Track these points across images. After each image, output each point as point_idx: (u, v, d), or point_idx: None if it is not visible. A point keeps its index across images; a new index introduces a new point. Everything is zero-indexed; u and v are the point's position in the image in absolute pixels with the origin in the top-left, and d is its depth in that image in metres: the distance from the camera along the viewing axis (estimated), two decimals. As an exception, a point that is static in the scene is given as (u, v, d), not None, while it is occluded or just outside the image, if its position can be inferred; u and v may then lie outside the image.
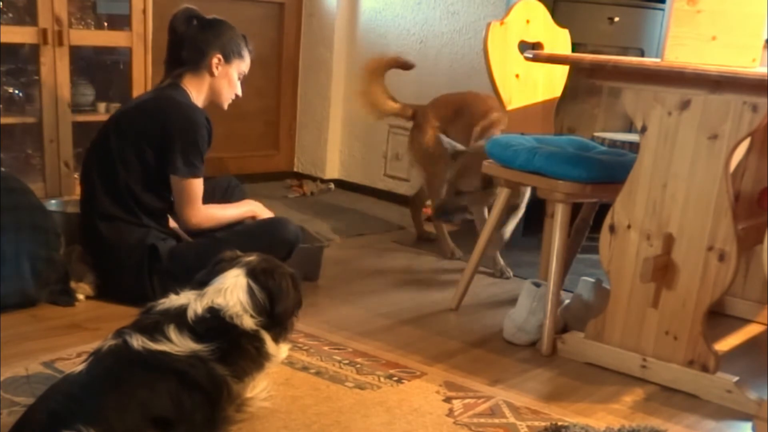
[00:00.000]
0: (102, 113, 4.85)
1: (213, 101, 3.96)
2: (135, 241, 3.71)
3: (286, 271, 2.93)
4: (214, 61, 3.85)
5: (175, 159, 3.68)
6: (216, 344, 2.55)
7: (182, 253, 3.73)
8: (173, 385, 2.40)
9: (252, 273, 2.82)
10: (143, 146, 3.70)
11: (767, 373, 3.45)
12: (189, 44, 3.82)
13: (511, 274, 4.70)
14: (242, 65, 3.98)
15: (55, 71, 4.59)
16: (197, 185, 3.76)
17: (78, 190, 4.07)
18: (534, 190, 4.26)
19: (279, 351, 2.86)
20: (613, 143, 4.70)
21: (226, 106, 4.03)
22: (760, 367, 3.58)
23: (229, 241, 3.59)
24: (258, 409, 2.78)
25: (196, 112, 3.76)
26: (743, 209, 3.56)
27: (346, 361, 3.32)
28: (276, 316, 2.82)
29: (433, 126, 4.95)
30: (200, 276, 2.89)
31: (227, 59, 3.89)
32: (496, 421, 2.91)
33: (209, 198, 4.05)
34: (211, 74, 3.87)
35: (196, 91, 3.87)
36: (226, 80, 3.92)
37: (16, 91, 4.71)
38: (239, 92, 4.02)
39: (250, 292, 2.77)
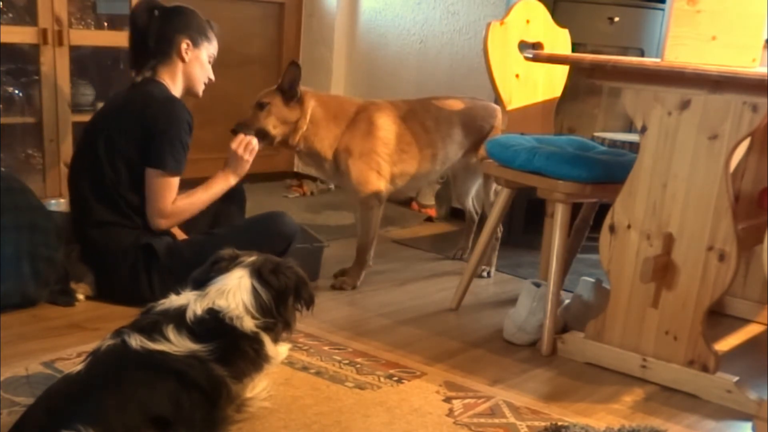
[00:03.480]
0: (102, 113, 4.86)
1: (189, 89, 3.91)
2: (129, 243, 3.71)
3: (294, 268, 2.92)
4: (183, 46, 3.81)
5: (156, 153, 3.65)
6: (214, 345, 2.55)
7: (180, 250, 3.72)
8: (172, 384, 2.40)
9: (257, 273, 2.81)
10: (127, 146, 3.68)
11: (767, 373, 3.45)
12: (155, 35, 3.78)
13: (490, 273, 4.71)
14: (211, 48, 3.94)
15: (55, 71, 4.59)
16: (174, 182, 3.72)
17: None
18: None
19: (278, 352, 2.86)
20: (613, 143, 4.70)
21: (201, 93, 3.96)
22: (760, 367, 3.58)
23: (227, 236, 3.59)
24: (258, 409, 2.78)
25: (176, 105, 3.72)
26: (743, 209, 3.56)
27: (346, 361, 3.32)
28: (283, 314, 2.82)
29: None
30: (197, 274, 2.88)
31: (195, 43, 3.85)
32: (496, 421, 2.91)
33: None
34: (183, 60, 3.83)
35: (172, 81, 3.83)
36: (198, 64, 3.88)
37: (16, 91, 4.71)
38: (212, 76, 3.99)
39: (255, 293, 2.76)
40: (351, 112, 4.36)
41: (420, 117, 4.45)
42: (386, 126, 4.33)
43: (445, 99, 4.65)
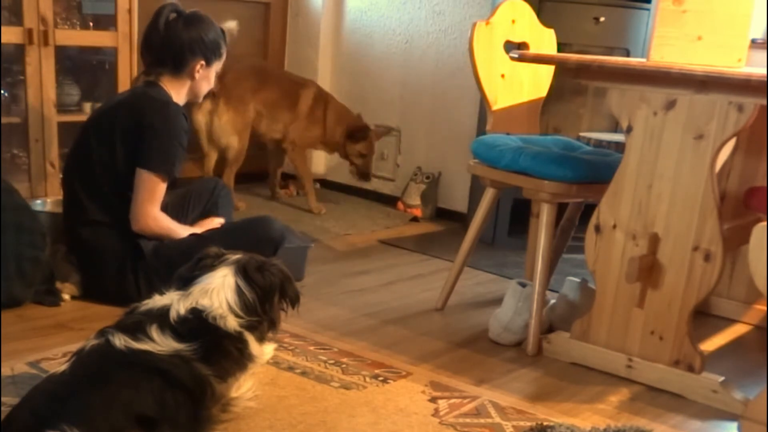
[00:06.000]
0: (87, 113, 4.82)
1: (190, 99, 3.91)
2: (118, 243, 3.70)
3: (279, 266, 2.91)
4: (197, 67, 3.78)
5: (148, 153, 3.62)
6: (198, 344, 2.54)
7: (167, 251, 3.68)
8: (156, 384, 2.39)
9: (242, 271, 2.80)
10: (117, 145, 3.65)
11: (753, 373, 3.46)
12: (172, 48, 3.73)
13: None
14: (220, 64, 3.92)
15: (41, 71, 4.57)
16: (162, 185, 3.68)
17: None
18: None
19: (263, 352, 2.84)
20: (599, 143, 4.70)
21: (200, 101, 3.98)
22: (746, 367, 3.60)
23: (214, 238, 3.57)
24: (243, 408, 2.77)
25: (172, 109, 3.69)
26: (729, 209, 3.57)
27: (332, 361, 3.31)
28: (269, 312, 2.81)
29: None
30: (182, 270, 2.86)
31: (209, 63, 3.82)
32: (482, 421, 2.91)
33: (196, 201, 4.05)
34: (192, 79, 3.80)
35: (175, 92, 3.78)
36: (205, 81, 3.87)
37: (2, 91, 4.69)
38: (213, 87, 3.99)
39: (239, 291, 2.74)
40: None
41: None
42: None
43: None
